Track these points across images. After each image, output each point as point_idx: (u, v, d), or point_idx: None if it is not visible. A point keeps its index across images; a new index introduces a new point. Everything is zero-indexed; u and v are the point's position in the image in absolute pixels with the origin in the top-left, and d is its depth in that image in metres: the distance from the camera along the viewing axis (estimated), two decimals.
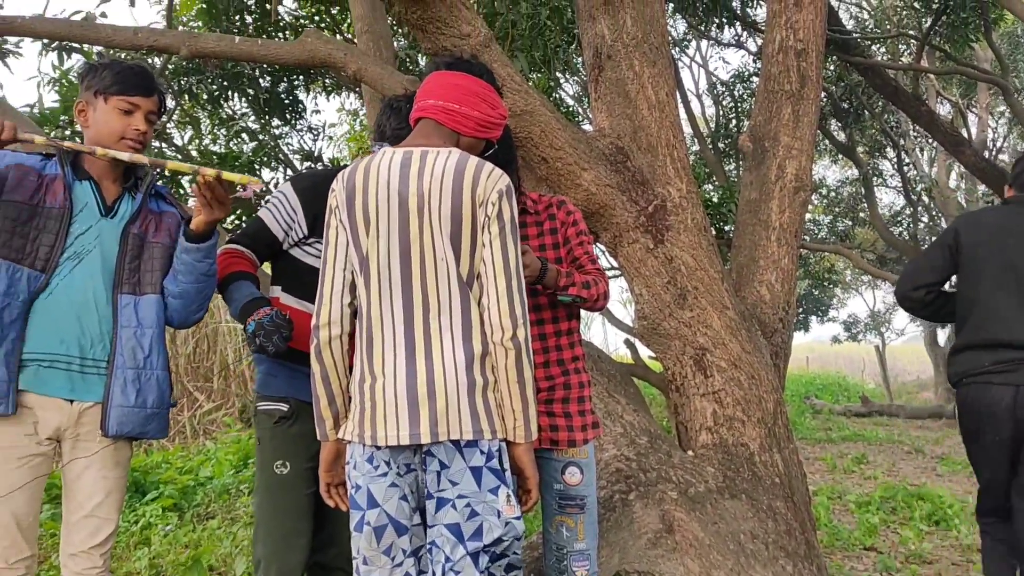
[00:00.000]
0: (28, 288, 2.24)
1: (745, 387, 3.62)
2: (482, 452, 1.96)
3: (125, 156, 2.27)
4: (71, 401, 2.28)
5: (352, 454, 2.06)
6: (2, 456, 2.22)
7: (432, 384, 1.95)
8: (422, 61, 7.56)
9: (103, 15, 6.02)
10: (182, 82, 7.50)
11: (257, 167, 7.74)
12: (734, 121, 12.43)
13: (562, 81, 10.63)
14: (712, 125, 13.77)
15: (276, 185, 7.66)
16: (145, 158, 2.27)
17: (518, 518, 1.99)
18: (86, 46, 6.21)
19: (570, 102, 11.82)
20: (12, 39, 6.03)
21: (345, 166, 2.18)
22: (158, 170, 2.60)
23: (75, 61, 6.54)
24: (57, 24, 4.54)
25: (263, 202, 6.66)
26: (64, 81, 6.39)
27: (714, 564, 3.13)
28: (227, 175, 2.17)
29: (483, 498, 1.94)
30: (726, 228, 7.81)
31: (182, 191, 6.72)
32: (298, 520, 2.53)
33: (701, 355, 3.63)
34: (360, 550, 2.03)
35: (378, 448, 1.99)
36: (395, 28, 6.95)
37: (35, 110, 6.00)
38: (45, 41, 6.12)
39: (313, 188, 2.57)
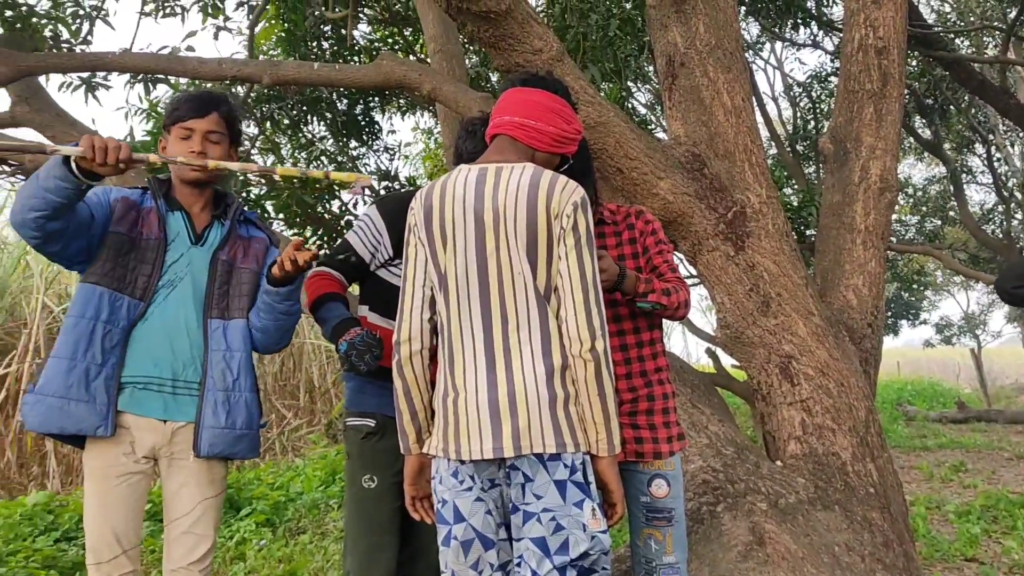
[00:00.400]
0: (128, 316, 2.34)
1: (834, 395, 3.53)
2: (566, 465, 1.95)
3: (235, 166, 2.36)
4: (164, 421, 2.36)
5: (437, 468, 2.08)
6: (102, 475, 2.31)
7: (513, 397, 1.96)
8: (494, 78, 7.63)
9: (189, 48, 6.24)
10: (263, 109, 7.74)
11: (336, 187, 7.92)
12: (812, 123, 12.15)
13: (634, 90, 10.58)
14: (789, 127, 13.49)
15: (355, 206, 7.82)
16: (254, 165, 2.35)
17: (604, 532, 1.97)
18: (172, 77, 6.46)
19: (643, 111, 11.74)
20: (101, 72, 6.31)
21: (421, 185, 2.22)
22: (267, 178, 2.65)
23: (162, 92, 6.81)
24: (146, 59, 4.75)
25: (344, 224, 6.79)
26: (153, 113, 6.66)
27: None
28: (335, 175, 2.19)
29: (568, 511, 1.93)
30: (807, 232, 7.63)
31: (267, 215, 6.91)
32: (385, 533, 2.57)
33: (787, 363, 3.56)
34: (448, 564, 2.05)
35: (463, 462, 2.01)
36: (467, 47, 7.04)
37: (128, 142, 6.26)
38: (132, 74, 6.37)
39: (398, 210, 2.61)
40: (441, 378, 2.07)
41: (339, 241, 2.74)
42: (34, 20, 5.39)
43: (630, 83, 8.59)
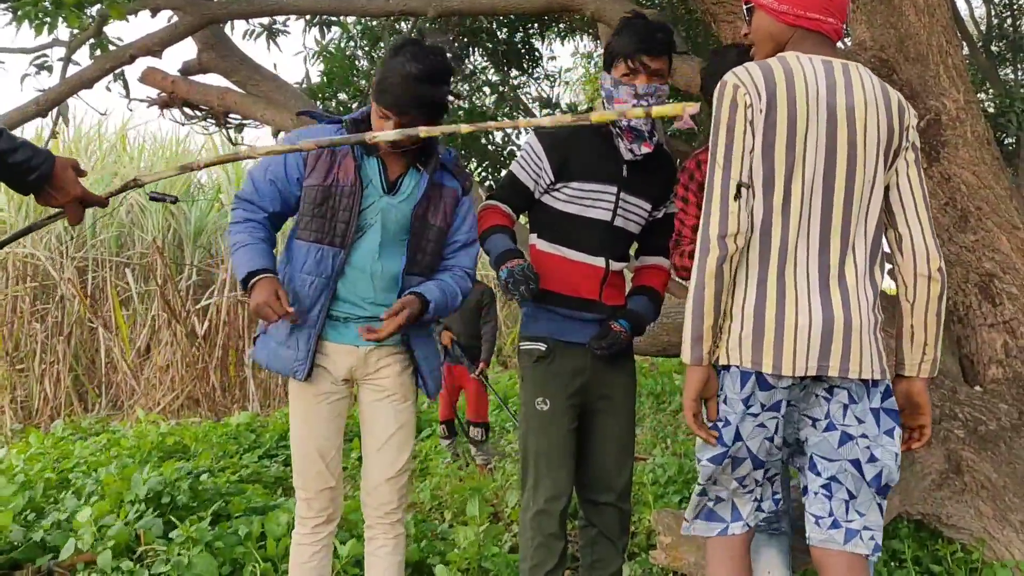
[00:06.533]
0: (332, 264, 2.41)
1: None
2: (881, 393, 1.93)
3: (392, 135, 2.14)
4: (357, 346, 2.47)
5: (723, 385, 1.95)
6: (304, 396, 2.48)
7: (848, 316, 1.87)
8: None
9: None
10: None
11: (499, 117, 7.95)
12: (1009, 20, 11.00)
13: None
14: (983, 27, 12.28)
15: (518, 136, 7.85)
16: (439, 129, 2.20)
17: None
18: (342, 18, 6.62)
19: None
20: (280, 19, 6.57)
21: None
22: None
23: (334, 33, 7.02)
24: (319, 1, 4.89)
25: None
26: (326, 54, 6.88)
27: (1010, 507, 2.89)
28: (657, 111, 1.94)
29: (881, 441, 1.92)
30: (1006, 141, 6.98)
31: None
32: (561, 454, 2.62)
33: (988, 282, 3.31)
34: (713, 474, 2.00)
35: (779, 377, 1.89)
36: None
37: (304, 85, 6.52)
38: (308, 18, 6.60)
39: (553, 135, 2.66)
40: (762, 285, 1.91)
41: (504, 173, 2.76)
42: None
43: None
